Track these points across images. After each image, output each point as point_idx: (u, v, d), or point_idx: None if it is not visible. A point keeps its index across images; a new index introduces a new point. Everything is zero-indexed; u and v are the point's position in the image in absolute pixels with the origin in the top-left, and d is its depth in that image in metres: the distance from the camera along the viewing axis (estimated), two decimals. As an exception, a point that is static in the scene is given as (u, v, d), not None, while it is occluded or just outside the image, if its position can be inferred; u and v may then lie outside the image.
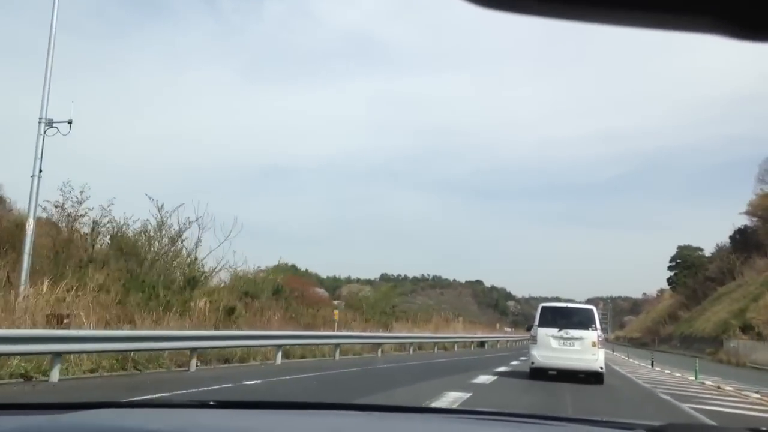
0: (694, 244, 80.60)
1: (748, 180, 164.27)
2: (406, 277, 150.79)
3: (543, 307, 14.95)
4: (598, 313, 15.18)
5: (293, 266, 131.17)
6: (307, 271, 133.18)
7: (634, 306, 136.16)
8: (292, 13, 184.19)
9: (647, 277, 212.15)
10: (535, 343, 14.32)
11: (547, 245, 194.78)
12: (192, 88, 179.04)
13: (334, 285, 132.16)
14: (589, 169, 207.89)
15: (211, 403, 1.96)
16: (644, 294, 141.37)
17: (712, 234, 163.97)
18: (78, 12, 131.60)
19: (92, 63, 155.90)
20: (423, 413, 2.29)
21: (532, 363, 14.32)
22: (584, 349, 13.93)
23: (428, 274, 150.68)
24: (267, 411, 1.98)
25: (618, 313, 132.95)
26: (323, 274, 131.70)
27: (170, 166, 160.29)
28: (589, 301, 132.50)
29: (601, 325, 14.91)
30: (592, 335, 14.03)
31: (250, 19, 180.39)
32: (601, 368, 13.90)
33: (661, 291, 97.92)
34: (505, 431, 1.80)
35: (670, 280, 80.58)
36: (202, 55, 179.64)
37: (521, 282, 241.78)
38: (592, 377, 14.01)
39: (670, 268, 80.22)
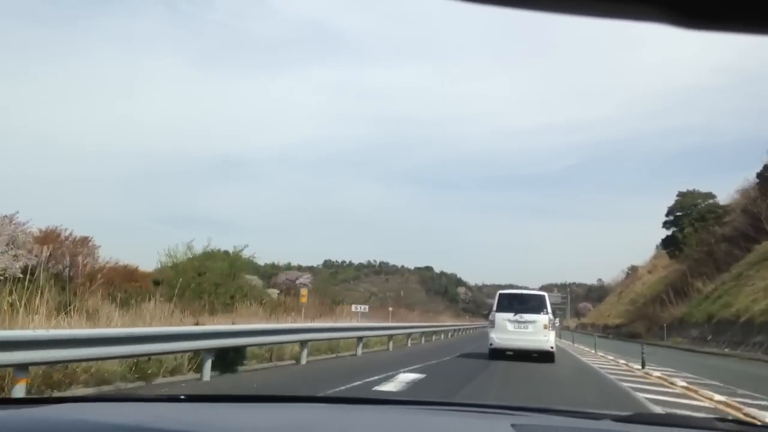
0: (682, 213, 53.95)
1: (700, 170, 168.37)
2: (351, 264, 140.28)
3: (500, 294, 16.60)
4: (550, 299, 16.81)
5: (226, 251, 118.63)
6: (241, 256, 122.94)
7: (590, 292, 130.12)
8: (247, 1, 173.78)
9: (601, 263, 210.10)
10: (494, 327, 15.87)
11: (502, 233, 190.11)
12: (147, 77, 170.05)
13: (271, 272, 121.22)
14: (543, 159, 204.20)
15: (182, 397, 2.04)
16: (599, 280, 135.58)
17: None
18: None
19: (47, 49, 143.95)
20: (389, 405, 2.24)
21: (491, 344, 15.82)
22: (537, 331, 15.47)
23: (375, 261, 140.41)
24: (235, 404, 2.01)
25: (572, 300, 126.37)
26: (261, 262, 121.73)
27: (127, 153, 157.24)
28: (543, 288, 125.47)
29: (555, 312, 17.34)
30: (543, 319, 15.55)
31: (204, 8, 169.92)
32: (552, 348, 15.50)
33: (633, 268, 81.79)
34: (476, 422, 1.81)
35: (667, 242, 55.66)
36: (157, 45, 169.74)
37: (474, 270, 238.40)
38: (544, 356, 15.43)
39: (666, 224, 55.43)
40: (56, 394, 6.80)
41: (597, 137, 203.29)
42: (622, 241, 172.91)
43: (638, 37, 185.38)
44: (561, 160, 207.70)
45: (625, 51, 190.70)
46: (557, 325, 19.62)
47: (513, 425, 1.53)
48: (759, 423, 5.39)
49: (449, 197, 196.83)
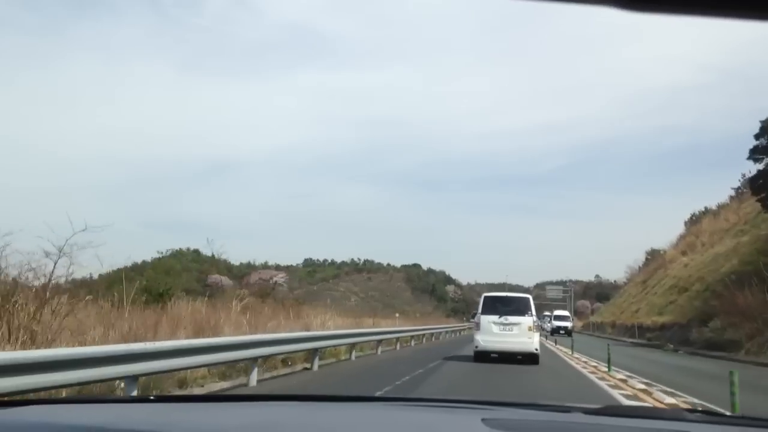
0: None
1: (689, 168, 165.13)
2: (333, 262, 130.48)
3: (485, 297, 16.72)
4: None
5: (196, 251, 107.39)
6: (213, 256, 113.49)
7: (587, 289, 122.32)
8: (232, 5, 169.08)
9: (597, 259, 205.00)
10: (479, 329, 15.98)
11: (493, 232, 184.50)
12: (133, 82, 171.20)
13: (244, 271, 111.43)
14: (533, 159, 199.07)
15: (151, 397, 2.03)
16: (597, 276, 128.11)
17: (666, 221, 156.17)
18: (12, 5, 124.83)
19: (30, 57, 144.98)
20: (360, 402, 2.20)
21: (476, 347, 15.88)
22: (521, 333, 15.48)
23: (359, 259, 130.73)
24: (205, 404, 2.01)
25: (563, 300, 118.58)
26: (236, 261, 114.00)
27: (113, 160, 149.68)
28: (538, 285, 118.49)
29: (536, 312, 16.80)
30: (528, 321, 15.67)
31: (191, 12, 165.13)
32: (536, 350, 15.63)
33: (653, 253, 63.92)
34: (447, 417, 1.81)
35: (762, 180, 30.93)
36: (143, 50, 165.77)
37: (466, 268, 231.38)
38: (528, 358, 15.44)
39: (756, 153, 30.81)
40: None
41: (586, 136, 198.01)
42: (617, 238, 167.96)
43: (624, 35, 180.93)
44: (551, 160, 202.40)
45: (611, 49, 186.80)
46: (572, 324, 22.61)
47: (483, 419, 1.53)
48: (728, 413, 5.11)
49: (438, 198, 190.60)
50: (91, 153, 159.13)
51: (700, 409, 2.39)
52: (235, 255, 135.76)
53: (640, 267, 68.03)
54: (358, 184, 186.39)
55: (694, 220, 56.87)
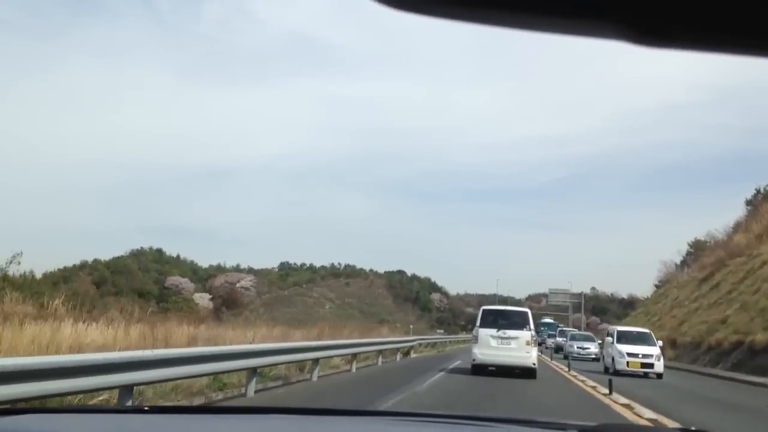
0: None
1: (685, 186, 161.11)
2: (312, 267, 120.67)
3: (484, 310, 17.03)
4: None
5: (158, 250, 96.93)
6: (178, 257, 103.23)
7: (584, 301, 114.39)
8: (232, 13, 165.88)
9: (592, 272, 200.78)
10: (477, 342, 16.01)
11: (485, 244, 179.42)
12: (131, 88, 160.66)
13: (210, 273, 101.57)
14: (528, 172, 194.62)
15: (146, 408, 2.02)
16: (593, 288, 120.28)
17: (658, 241, 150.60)
18: (12, 8, 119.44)
19: (30, 60, 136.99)
20: (365, 416, 2.17)
21: (474, 360, 15.93)
22: (519, 347, 15.49)
23: (339, 264, 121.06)
24: (200, 416, 1.99)
25: (564, 310, 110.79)
26: (205, 263, 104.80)
27: (112, 164, 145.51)
28: (530, 297, 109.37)
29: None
30: (526, 335, 15.62)
31: (189, 20, 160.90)
32: (534, 364, 15.43)
33: (698, 244, 48.48)
34: None
35: None
36: (141, 56, 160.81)
37: (455, 278, 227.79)
38: (526, 372, 15.25)
39: None
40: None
41: (586, 150, 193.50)
42: (615, 251, 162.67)
43: (623, 52, 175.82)
44: (549, 172, 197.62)
45: (611, 65, 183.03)
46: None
47: None
48: None
49: (432, 207, 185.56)
50: (88, 156, 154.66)
51: (694, 428, 2.05)
52: (214, 258, 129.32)
53: (681, 262, 50.77)
54: (352, 192, 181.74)
55: (763, 197, 43.38)
